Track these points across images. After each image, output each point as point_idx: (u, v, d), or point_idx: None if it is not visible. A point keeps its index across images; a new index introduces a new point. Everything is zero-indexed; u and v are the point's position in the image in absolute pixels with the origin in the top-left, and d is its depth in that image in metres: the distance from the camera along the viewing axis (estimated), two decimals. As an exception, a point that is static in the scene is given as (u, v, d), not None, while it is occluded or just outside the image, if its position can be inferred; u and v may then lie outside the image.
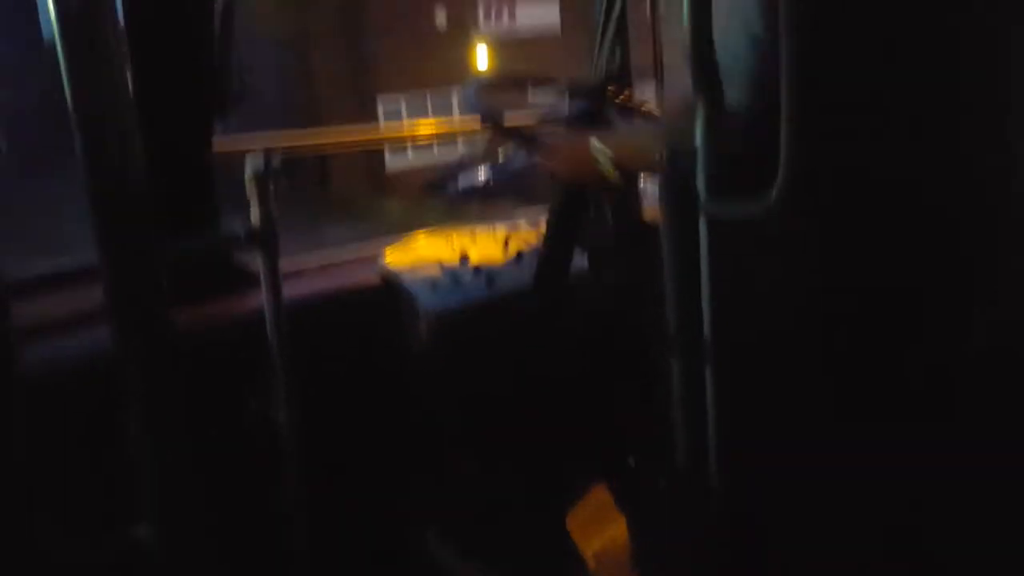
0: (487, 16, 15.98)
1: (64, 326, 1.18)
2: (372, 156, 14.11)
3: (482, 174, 12.51)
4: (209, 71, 1.31)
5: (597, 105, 1.44)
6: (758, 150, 0.76)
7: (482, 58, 15.30)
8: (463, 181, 12.85)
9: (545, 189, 1.60)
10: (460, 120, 1.93)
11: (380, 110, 14.67)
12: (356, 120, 13.64)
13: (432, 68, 14.19)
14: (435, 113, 14.92)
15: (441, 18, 15.18)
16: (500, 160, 12.39)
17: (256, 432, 1.26)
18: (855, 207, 0.80)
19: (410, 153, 14.46)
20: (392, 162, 14.55)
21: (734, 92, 0.80)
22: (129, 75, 1.23)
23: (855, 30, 0.76)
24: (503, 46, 15.51)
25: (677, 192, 0.87)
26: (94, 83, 0.55)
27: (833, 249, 0.82)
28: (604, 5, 1.95)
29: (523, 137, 1.37)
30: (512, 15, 16.19)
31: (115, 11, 0.57)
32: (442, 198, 12.86)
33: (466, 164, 13.18)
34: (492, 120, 1.36)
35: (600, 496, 1.87)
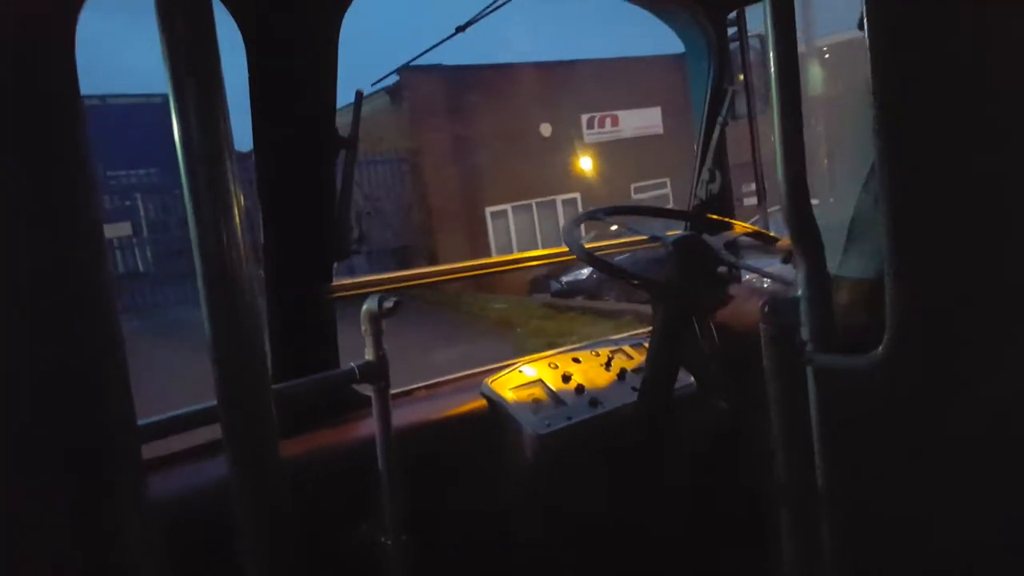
0: (590, 126, 16.50)
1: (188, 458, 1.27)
2: (479, 253, 14.60)
3: (585, 271, 12.67)
4: (330, 221, 1.41)
5: (695, 236, 1.44)
6: (867, 307, 0.75)
7: (586, 165, 15.71)
8: (567, 277, 13.03)
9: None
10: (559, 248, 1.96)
11: (488, 220, 15.25)
12: (465, 228, 14.26)
13: (538, 177, 14.71)
14: (540, 218, 15.36)
15: (547, 130, 15.78)
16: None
17: (366, 553, 1.27)
18: (962, 366, 0.76)
19: (515, 247, 14.84)
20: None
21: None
22: (261, 229, 1.37)
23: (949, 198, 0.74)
24: (608, 151, 15.90)
25: (782, 341, 0.85)
26: (218, 240, 0.58)
27: (939, 404, 0.78)
28: (703, 132, 1.98)
29: (613, 271, 1.36)
30: (615, 122, 16.66)
31: (233, 176, 0.60)
32: (547, 294, 13.06)
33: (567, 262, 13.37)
34: (583, 256, 1.38)
35: None
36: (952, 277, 0.75)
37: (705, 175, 1.94)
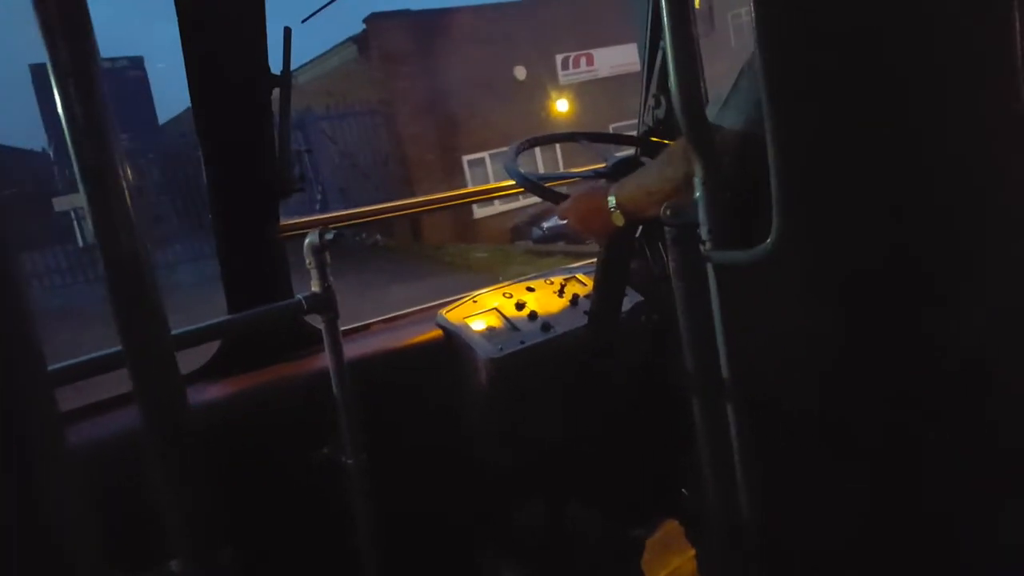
0: (565, 67, 16.23)
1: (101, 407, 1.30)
2: (460, 206, 14.48)
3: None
4: (270, 160, 1.42)
5: (634, 157, 1.46)
6: (755, 204, 0.79)
7: (562, 107, 15.51)
8: (548, 224, 13.02)
9: None
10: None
11: (466, 169, 15.11)
12: (444, 178, 14.12)
13: (515, 123, 14.53)
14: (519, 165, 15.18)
15: (521, 73, 15.52)
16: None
17: (326, 475, 1.33)
18: (844, 249, 0.82)
19: (496, 200, 14.78)
20: (479, 209, 14.88)
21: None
22: (204, 171, 1.39)
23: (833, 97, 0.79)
24: (584, 92, 15.67)
25: (684, 242, 0.89)
26: (107, 198, 0.61)
27: (830, 286, 0.84)
28: (647, 57, 1.99)
29: (555, 196, 1.36)
30: (591, 61, 16.38)
31: (111, 129, 0.61)
32: (528, 241, 13.09)
33: (548, 208, 13.28)
34: (524, 183, 1.39)
35: (670, 528, 1.86)
36: (833, 170, 0.80)
37: (651, 101, 1.95)
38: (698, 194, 0.83)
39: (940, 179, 0.81)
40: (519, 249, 12.52)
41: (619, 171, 1.40)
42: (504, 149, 1.48)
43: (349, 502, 1.33)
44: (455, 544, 1.62)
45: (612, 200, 1.15)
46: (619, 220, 1.16)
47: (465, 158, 15.15)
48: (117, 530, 0.73)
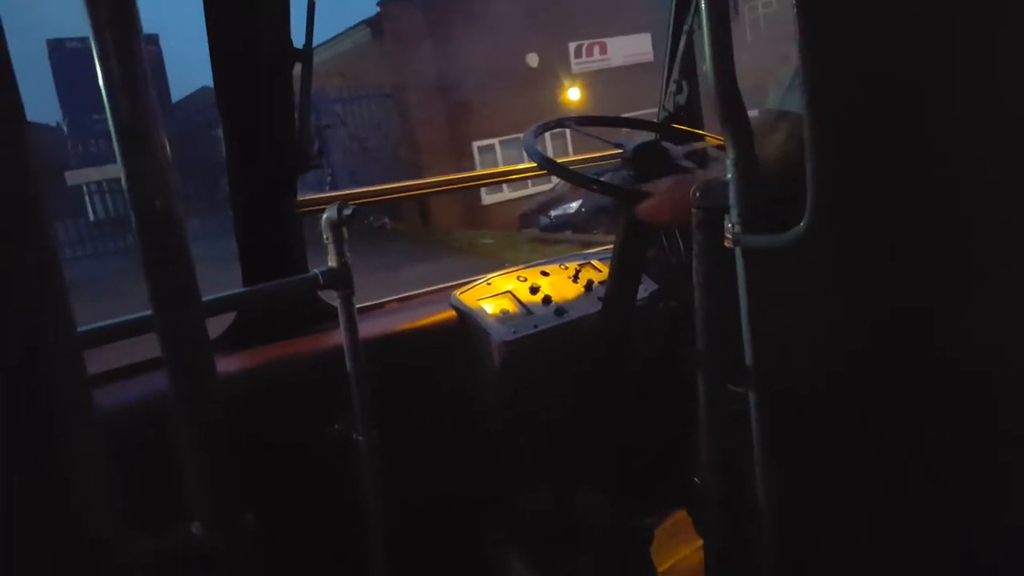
0: (578, 55, 16.12)
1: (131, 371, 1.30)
2: (469, 191, 14.49)
3: (574, 205, 12.62)
4: (290, 134, 1.41)
5: (655, 142, 1.44)
6: (789, 189, 0.78)
7: (574, 96, 15.42)
8: (557, 212, 12.99)
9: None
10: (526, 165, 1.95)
11: (476, 155, 15.06)
12: (453, 164, 14.08)
13: (526, 110, 14.46)
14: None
15: (533, 60, 15.43)
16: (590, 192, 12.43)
17: (338, 451, 1.33)
18: (877, 237, 0.80)
19: (505, 186, 14.73)
20: (487, 196, 14.85)
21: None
22: (224, 145, 1.38)
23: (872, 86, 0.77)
24: (597, 81, 15.58)
25: (710, 224, 0.88)
26: (142, 157, 0.59)
27: (858, 275, 0.82)
28: (670, 42, 1.96)
29: (580, 179, 1.33)
30: (603, 50, 16.27)
31: (154, 106, 0.59)
32: (535, 229, 13.06)
33: (560, 196, 13.36)
34: (545, 164, 1.37)
35: (679, 518, 1.85)
36: (869, 158, 0.78)
37: (672, 87, 1.92)
38: (729, 176, 0.82)
39: (979, 171, 0.79)
40: (525, 237, 12.50)
41: (640, 157, 1.38)
42: (515, 136, 1.46)
43: (359, 479, 1.33)
44: (462, 525, 1.62)
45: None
46: None
47: (476, 144, 15.10)
48: (141, 492, 0.73)
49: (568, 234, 11.95)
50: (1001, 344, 0.82)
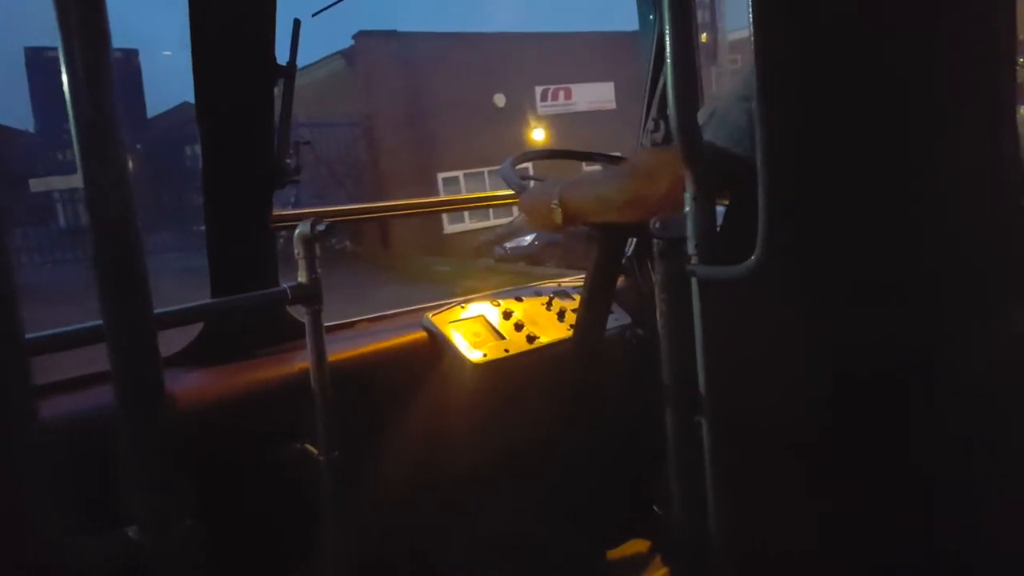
0: (544, 98, 16.38)
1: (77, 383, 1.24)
2: (432, 219, 14.46)
3: (528, 238, 12.75)
4: (268, 149, 1.39)
5: None
6: (742, 223, 0.79)
7: (538, 136, 15.62)
8: (511, 244, 13.07)
9: (586, 254, 1.58)
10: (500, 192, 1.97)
11: (440, 185, 15.09)
12: (417, 193, 14.09)
13: (491, 147, 14.57)
14: (492, 188, 15.26)
15: (500, 100, 15.62)
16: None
17: (299, 468, 1.29)
18: (823, 270, 0.82)
19: (466, 216, 14.76)
20: (450, 225, 14.87)
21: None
22: (202, 157, 1.35)
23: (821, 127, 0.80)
24: (560, 123, 15.81)
25: (670, 254, 0.89)
26: (101, 166, 0.56)
27: (806, 305, 0.84)
28: (650, 81, 1.99)
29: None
30: (568, 95, 16.57)
31: (118, 119, 0.57)
32: (491, 258, 13.10)
33: (517, 228, 13.48)
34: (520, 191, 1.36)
35: (641, 545, 1.82)
36: (815, 198, 0.81)
37: (650, 124, 1.94)
38: (688, 209, 0.83)
39: (928, 193, 0.81)
40: (479, 266, 12.54)
41: None
42: (479, 170, 1.48)
43: (320, 497, 1.29)
44: (422, 547, 1.57)
45: (556, 199, 1.12)
46: (558, 218, 1.12)
47: (440, 175, 15.14)
48: (89, 499, 0.69)
49: (521, 265, 12.02)
50: (952, 369, 0.83)
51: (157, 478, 0.64)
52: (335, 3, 1.43)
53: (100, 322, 0.59)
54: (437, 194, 14.78)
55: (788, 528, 0.89)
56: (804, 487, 0.87)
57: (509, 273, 10.84)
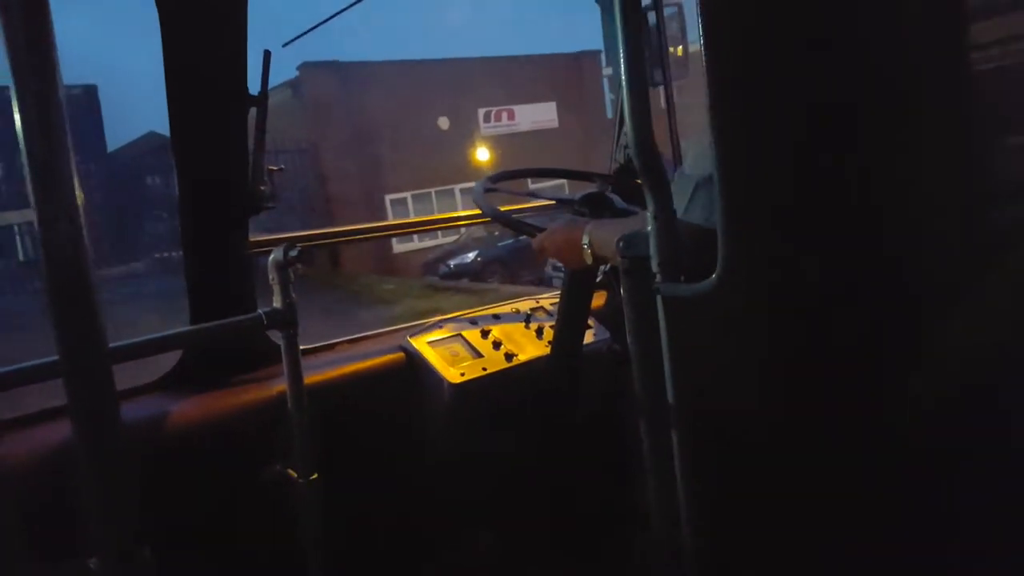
0: (487, 120, 16.47)
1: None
2: (381, 240, 14.31)
3: (471, 255, 12.81)
4: (243, 176, 1.38)
5: (599, 195, 1.40)
6: (704, 243, 0.80)
7: (482, 157, 15.67)
8: (455, 261, 13.07)
9: (525, 268, 1.57)
10: (465, 212, 1.96)
11: (388, 207, 14.98)
12: (365, 215, 13.95)
13: (437, 168, 14.55)
14: (439, 207, 15.23)
15: (444, 123, 15.63)
16: (488, 243, 12.74)
17: (278, 490, 1.27)
18: (780, 287, 0.84)
19: (415, 236, 14.67)
20: (399, 245, 14.78)
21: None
22: (177, 185, 1.33)
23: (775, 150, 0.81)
24: (504, 144, 15.90)
25: (635, 273, 0.91)
26: (54, 201, 0.56)
27: (764, 320, 0.85)
28: (620, 99, 2.00)
29: (524, 227, 1.32)
30: (511, 116, 16.69)
31: (69, 151, 0.57)
32: (435, 276, 13.05)
33: (460, 246, 13.46)
34: (496, 218, 1.36)
35: (622, 559, 1.79)
36: (772, 218, 0.82)
37: (623, 139, 1.91)
38: (650, 228, 0.83)
39: (885, 211, 0.81)
40: (423, 284, 12.48)
41: (588, 203, 1.37)
42: (426, 190, 1.48)
43: (296, 520, 1.26)
44: (401, 569, 1.54)
45: (586, 238, 1.12)
46: (588, 259, 1.12)
47: (388, 197, 15.04)
48: (51, 532, 0.67)
49: (465, 282, 12.01)
50: (920, 374, 0.83)
51: (115, 508, 0.63)
52: (305, 33, 1.43)
53: (56, 357, 0.59)
54: (386, 216, 14.69)
55: (761, 538, 0.89)
56: (776, 495, 0.86)
57: (450, 290, 10.90)
